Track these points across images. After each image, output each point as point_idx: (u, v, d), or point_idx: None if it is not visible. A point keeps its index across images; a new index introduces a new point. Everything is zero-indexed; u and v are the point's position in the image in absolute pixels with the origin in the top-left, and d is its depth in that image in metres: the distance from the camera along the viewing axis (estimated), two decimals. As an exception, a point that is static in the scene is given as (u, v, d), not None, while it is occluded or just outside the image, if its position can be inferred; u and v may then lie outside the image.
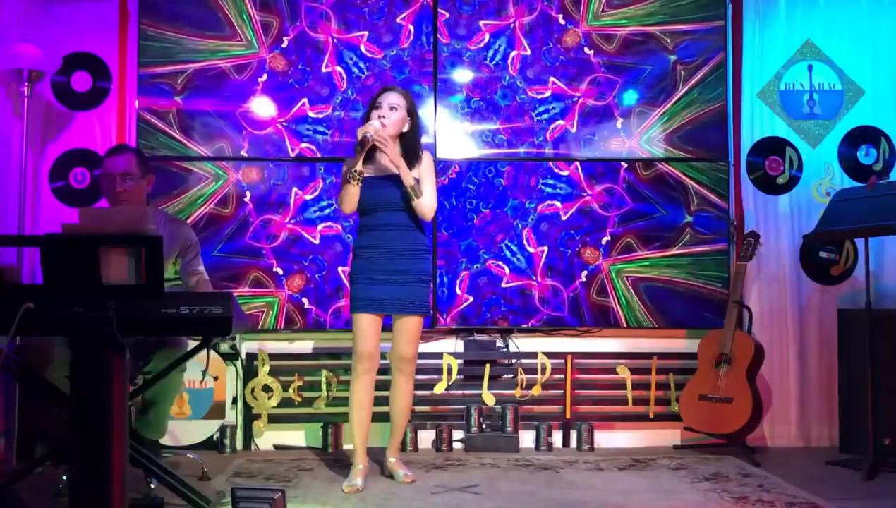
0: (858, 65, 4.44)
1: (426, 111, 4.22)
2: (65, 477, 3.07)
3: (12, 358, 2.74)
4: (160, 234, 2.59)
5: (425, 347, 4.27)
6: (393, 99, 3.36)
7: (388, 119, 3.32)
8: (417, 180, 3.33)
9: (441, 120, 4.29)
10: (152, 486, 3.01)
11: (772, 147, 4.40)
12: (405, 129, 3.38)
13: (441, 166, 4.18)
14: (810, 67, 4.44)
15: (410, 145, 3.39)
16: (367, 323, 3.35)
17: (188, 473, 3.27)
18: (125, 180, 3.24)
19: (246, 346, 4.19)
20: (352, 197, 3.31)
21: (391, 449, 3.53)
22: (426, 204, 3.35)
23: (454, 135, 4.30)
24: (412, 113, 3.41)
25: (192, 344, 3.11)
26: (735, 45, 4.39)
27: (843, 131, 4.42)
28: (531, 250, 4.27)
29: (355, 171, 3.28)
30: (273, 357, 4.18)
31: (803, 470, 3.69)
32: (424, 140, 3.89)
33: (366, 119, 3.37)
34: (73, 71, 4.21)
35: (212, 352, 2.91)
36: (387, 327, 3.44)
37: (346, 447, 4.09)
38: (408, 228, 3.38)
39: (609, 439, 4.26)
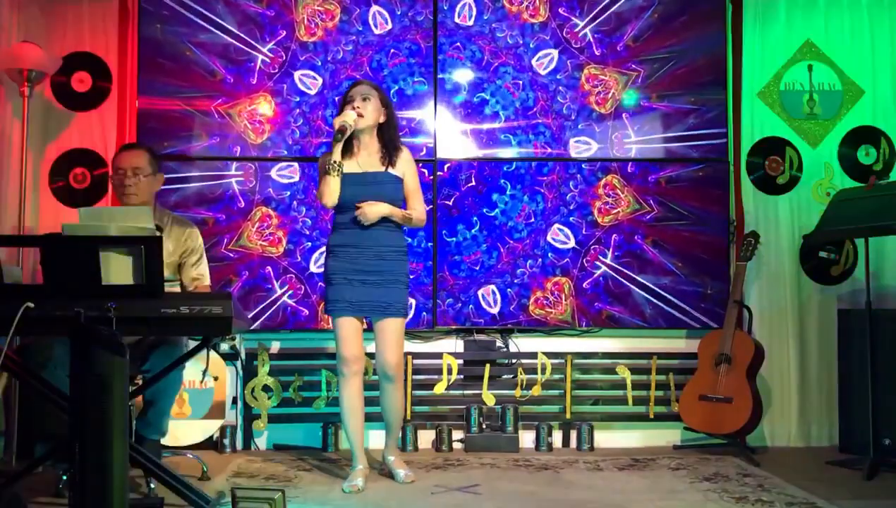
0: (858, 65, 4.44)
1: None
2: (65, 477, 3.07)
3: (12, 358, 2.74)
4: (159, 234, 2.60)
5: (425, 347, 4.28)
6: (363, 90, 3.36)
7: (363, 109, 3.31)
8: (404, 200, 3.36)
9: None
10: (152, 486, 3.01)
11: (772, 147, 4.40)
12: (381, 120, 3.38)
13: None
14: (810, 67, 4.44)
15: (388, 135, 3.39)
16: (347, 325, 3.33)
17: (188, 473, 3.26)
18: (135, 176, 3.24)
19: (246, 346, 4.20)
20: (332, 189, 3.25)
21: (389, 448, 3.53)
22: (419, 219, 3.40)
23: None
24: (386, 104, 3.41)
25: (191, 343, 3.12)
26: (735, 45, 4.39)
27: (843, 131, 4.41)
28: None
29: (335, 162, 3.25)
30: (273, 357, 4.19)
31: (803, 470, 3.69)
32: (424, 140, 3.86)
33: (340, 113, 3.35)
34: (73, 71, 4.21)
35: (212, 352, 2.91)
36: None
37: (345, 447, 4.08)
38: (388, 229, 3.35)
39: (609, 439, 4.26)
